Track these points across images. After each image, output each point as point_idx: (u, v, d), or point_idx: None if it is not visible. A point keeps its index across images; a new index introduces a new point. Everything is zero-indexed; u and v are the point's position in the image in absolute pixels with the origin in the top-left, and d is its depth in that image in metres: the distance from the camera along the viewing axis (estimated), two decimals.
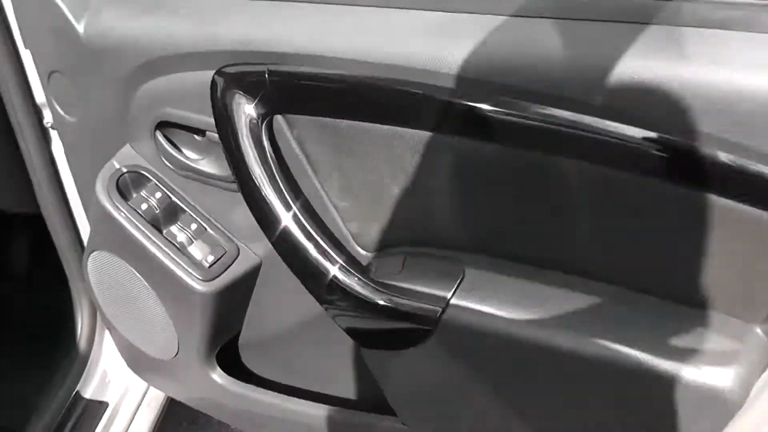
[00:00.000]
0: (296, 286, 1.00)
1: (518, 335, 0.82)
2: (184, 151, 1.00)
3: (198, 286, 1.03)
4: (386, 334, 0.93)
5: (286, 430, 1.23)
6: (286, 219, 0.90)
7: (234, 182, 0.95)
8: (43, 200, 1.23)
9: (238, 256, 1.05)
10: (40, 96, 1.13)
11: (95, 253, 1.14)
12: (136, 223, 1.03)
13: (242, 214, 0.99)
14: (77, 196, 1.25)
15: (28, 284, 1.73)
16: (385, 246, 0.94)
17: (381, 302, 0.89)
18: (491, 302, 0.84)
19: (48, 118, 1.15)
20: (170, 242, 1.04)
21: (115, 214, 1.03)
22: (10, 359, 1.59)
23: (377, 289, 0.89)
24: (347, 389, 1.15)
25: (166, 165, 1.02)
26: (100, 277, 1.18)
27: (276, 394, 1.19)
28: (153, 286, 1.09)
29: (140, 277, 1.09)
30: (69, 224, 1.28)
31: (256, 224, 0.97)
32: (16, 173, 1.21)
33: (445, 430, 1.04)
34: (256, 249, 1.06)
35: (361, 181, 0.89)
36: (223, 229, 1.06)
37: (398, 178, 0.85)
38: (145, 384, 1.51)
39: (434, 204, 0.88)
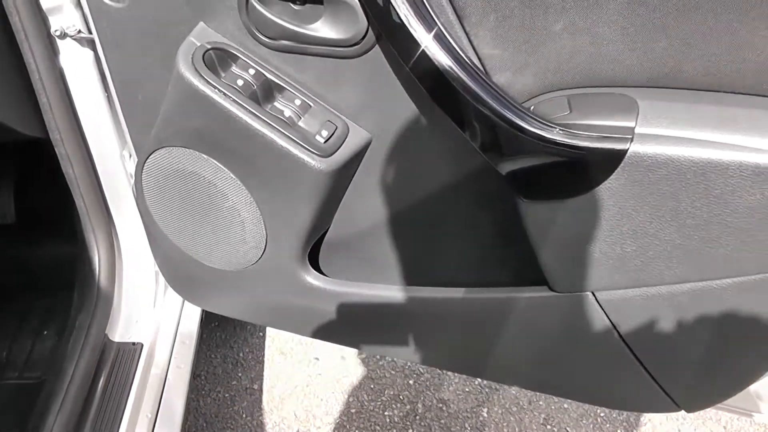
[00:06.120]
0: (408, 162, 0.94)
1: (723, 160, 0.77)
2: (283, 20, 0.91)
3: (315, 162, 0.93)
4: (559, 178, 0.86)
5: (401, 324, 1.16)
6: (429, 43, 0.79)
7: (350, 46, 0.87)
8: (52, 123, 1.11)
9: (348, 132, 0.96)
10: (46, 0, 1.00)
11: (160, 152, 1.02)
12: (234, 97, 0.92)
13: (352, 86, 0.91)
14: (88, 116, 1.14)
15: (29, 227, 1.58)
16: (539, 94, 0.87)
17: (559, 139, 0.80)
18: (680, 127, 0.78)
19: (56, 25, 1.03)
20: (277, 117, 0.94)
21: (207, 90, 0.91)
22: (27, 315, 1.48)
23: (551, 127, 0.80)
24: (466, 274, 1.09)
25: (258, 40, 0.92)
26: (161, 183, 1.07)
27: (393, 286, 1.11)
28: (243, 176, 0.99)
29: (225, 168, 0.99)
30: (82, 148, 1.16)
31: (366, 96, 0.90)
32: (20, 92, 1.08)
33: (609, 286, 0.96)
34: (366, 125, 0.97)
35: (520, 22, 0.82)
36: (329, 105, 0.97)
37: (569, 13, 0.79)
38: (175, 320, 1.43)
39: (606, 35, 0.81)
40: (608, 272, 0.93)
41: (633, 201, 0.84)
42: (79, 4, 1.02)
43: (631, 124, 0.79)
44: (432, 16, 0.79)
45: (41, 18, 1.01)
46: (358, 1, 0.83)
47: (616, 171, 0.81)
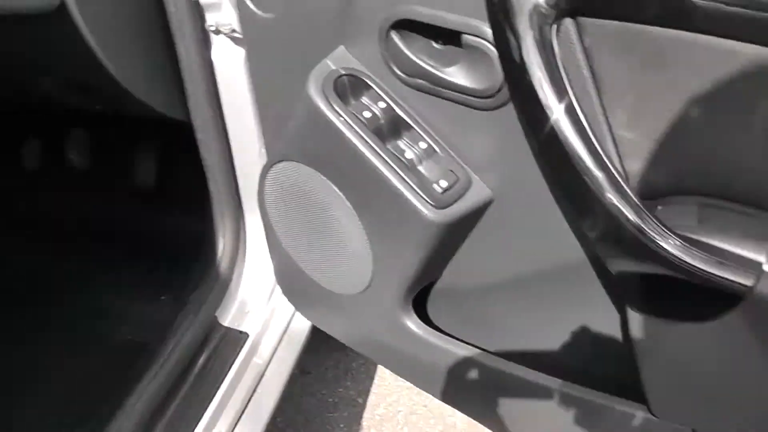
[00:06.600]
0: (529, 230, 0.88)
1: None
2: (420, 59, 0.86)
3: (427, 212, 0.87)
4: (675, 298, 0.75)
5: (488, 396, 1.07)
6: (558, 114, 0.70)
7: (484, 98, 0.80)
8: (196, 110, 1.13)
9: (470, 186, 0.90)
10: None
11: (283, 164, 1.02)
12: (358, 129, 0.88)
13: (481, 138, 0.85)
14: (232, 109, 1.16)
15: (165, 199, 1.66)
16: (669, 193, 0.76)
17: (677, 253, 0.68)
18: None
19: (210, 21, 1.05)
20: (397, 157, 0.90)
21: (332, 117, 0.89)
22: (147, 278, 1.57)
23: (672, 238, 0.69)
24: (568, 361, 0.98)
25: (393, 73, 0.88)
26: (281, 193, 1.06)
27: (488, 354, 1.04)
28: (357, 206, 0.96)
29: (342, 195, 0.96)
30: (222, 138, 1.18)
31: (495, 152, 0.85)
32: (170, 77, 1.12)
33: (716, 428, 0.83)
34: (489, 182, 0.90)
35: (663, 107, 0.71)
36: (454, 153, 0.91)
37: (715, 107, 0.68)
38: (286, 318, 1.43)
39: (754, 143, 0.69)
40: (713, 414, 0.80)
41: (748, 346, 0.71)
42: (236, 5, 1.03)
43: (761, 258, 0.66)
44: (566, 86, 0.70)
45: (197, 12, 1.03)
46: (497, 53, 0.75)
47: (733, 307, 0.68)
